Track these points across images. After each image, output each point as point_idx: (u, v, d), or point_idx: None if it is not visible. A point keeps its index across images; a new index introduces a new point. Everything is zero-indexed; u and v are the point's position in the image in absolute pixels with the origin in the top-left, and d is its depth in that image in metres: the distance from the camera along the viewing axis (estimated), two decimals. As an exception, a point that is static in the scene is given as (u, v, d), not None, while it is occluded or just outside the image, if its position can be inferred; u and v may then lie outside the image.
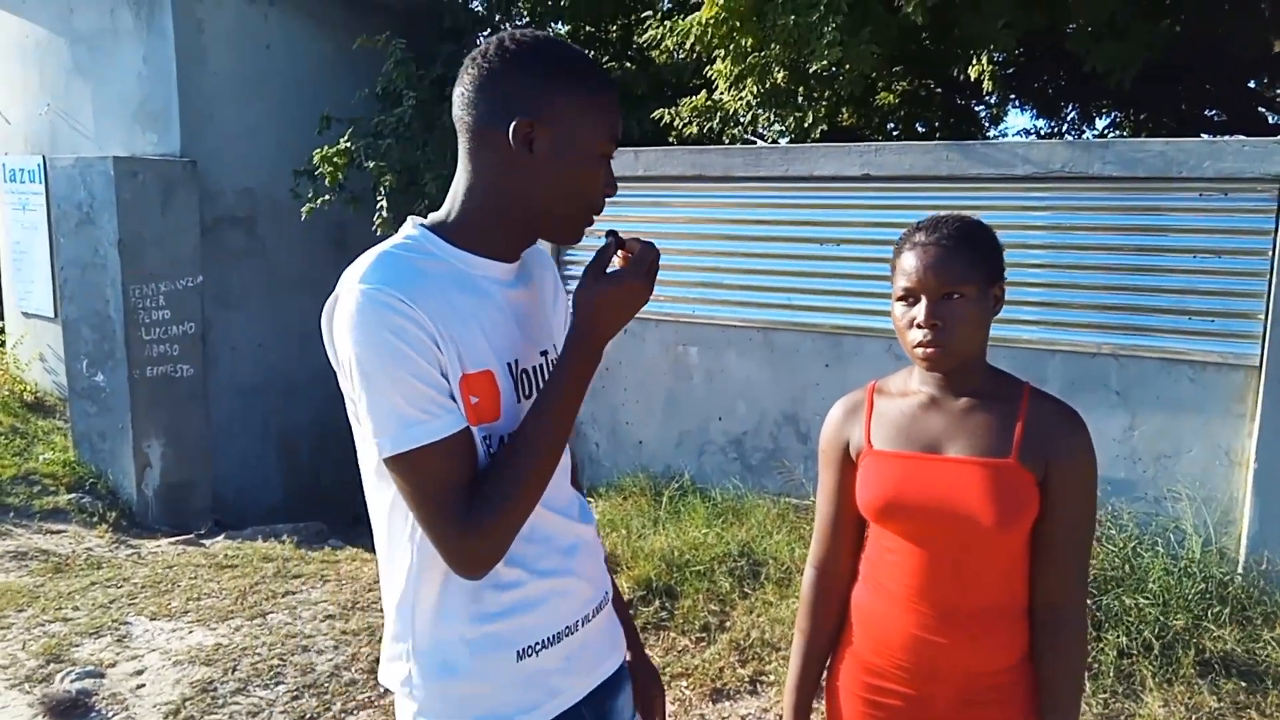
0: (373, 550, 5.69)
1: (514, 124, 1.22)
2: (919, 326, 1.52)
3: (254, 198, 7.35)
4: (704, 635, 3.83)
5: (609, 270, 1.29)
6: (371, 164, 6.77)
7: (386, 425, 1.16)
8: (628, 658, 1.54)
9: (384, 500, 1.30)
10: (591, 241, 1.37)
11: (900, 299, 1.57)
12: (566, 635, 1.34)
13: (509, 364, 1.29)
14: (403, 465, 1.17)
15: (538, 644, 1.30)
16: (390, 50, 6.91)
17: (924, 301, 1.52)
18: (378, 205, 6.91)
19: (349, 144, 6.78)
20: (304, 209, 6.97)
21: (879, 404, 1.64)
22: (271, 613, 4.22)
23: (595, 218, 1.32)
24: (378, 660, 3.69)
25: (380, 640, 4.03)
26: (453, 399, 1.20)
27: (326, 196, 6.89)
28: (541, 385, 1.33)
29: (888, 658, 1.59)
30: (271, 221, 7.47)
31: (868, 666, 1.62)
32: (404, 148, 6.77)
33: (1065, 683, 1.55)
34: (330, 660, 3.74)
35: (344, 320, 1.18)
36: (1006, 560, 1.54)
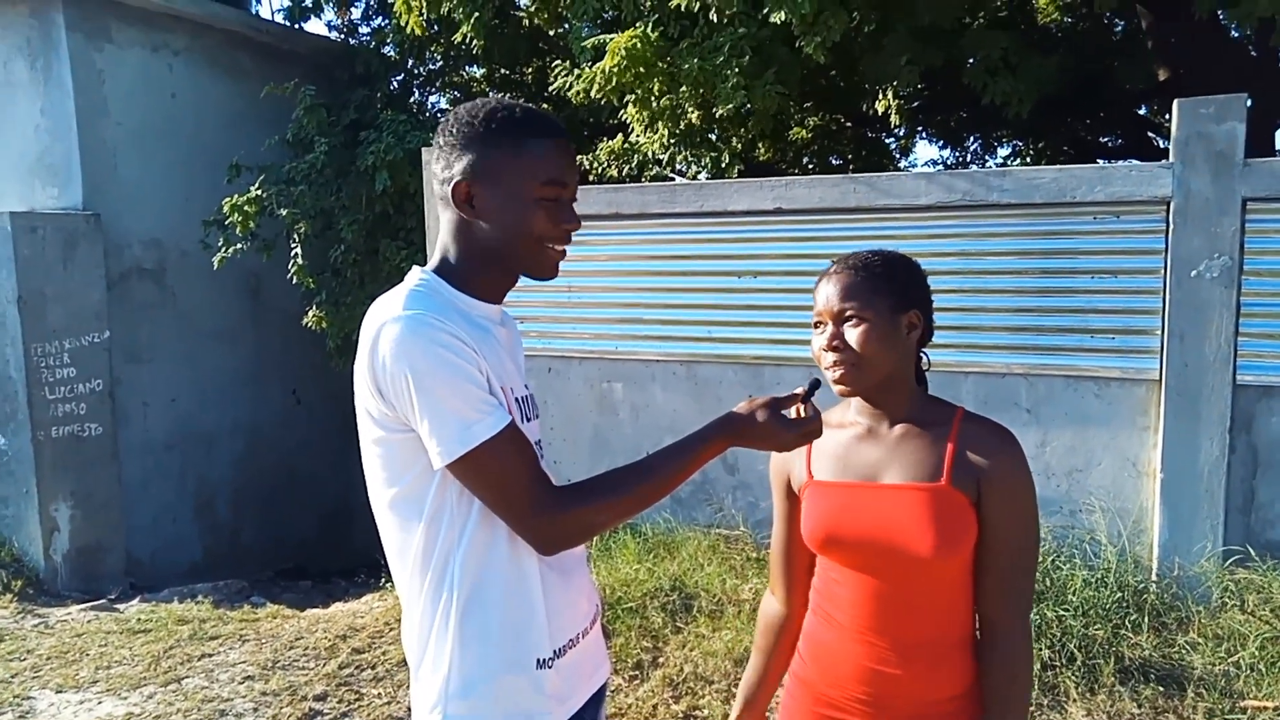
0: (296, 606, 5.48)
1: (452, 187, 1.39)
2: (825, 350, 1.56)
3: (163, 249, 7.17)
4: (637, 673, 3.79)
5: (784, 411, 1.45)
6: (284, 211, 6.67)
7: (451, 430, 1.28)
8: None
9: (410, 535, 1.38)
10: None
11: (814, 326, 1.61)
12: (570, 647, 1.46)
13: (508, 388, 1.43)
14: (473, 463, 1.29)
15: (551, 655, 1.42)
16: (300, 97, 6.84)
17: (829, 325, 1.56)
18: (292, 253, 6.80)
19: (260, 191, 6.67)
20: (215, 259, 6.82)
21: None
22: (187, 677, 4.05)
23: (566, 248, 1.45)
24: (300, 720, 3.57)
25: (302, 699, 3.88)
26: (498, 399, 1.34)
27: (238, 245, 6.75)
28: (530, 413, 1.50)
29: (841, 689, 1.59)
30: (182, 272, 7.29)
31: (820, 698, 1.62)
32: (317, 194, 6.69)
33: (1008, 702, 1.54)
34: (250, 724, 3.60)
35: (392, 347, 1.28)
36: (952, 587, 1.54)
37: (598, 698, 1.55)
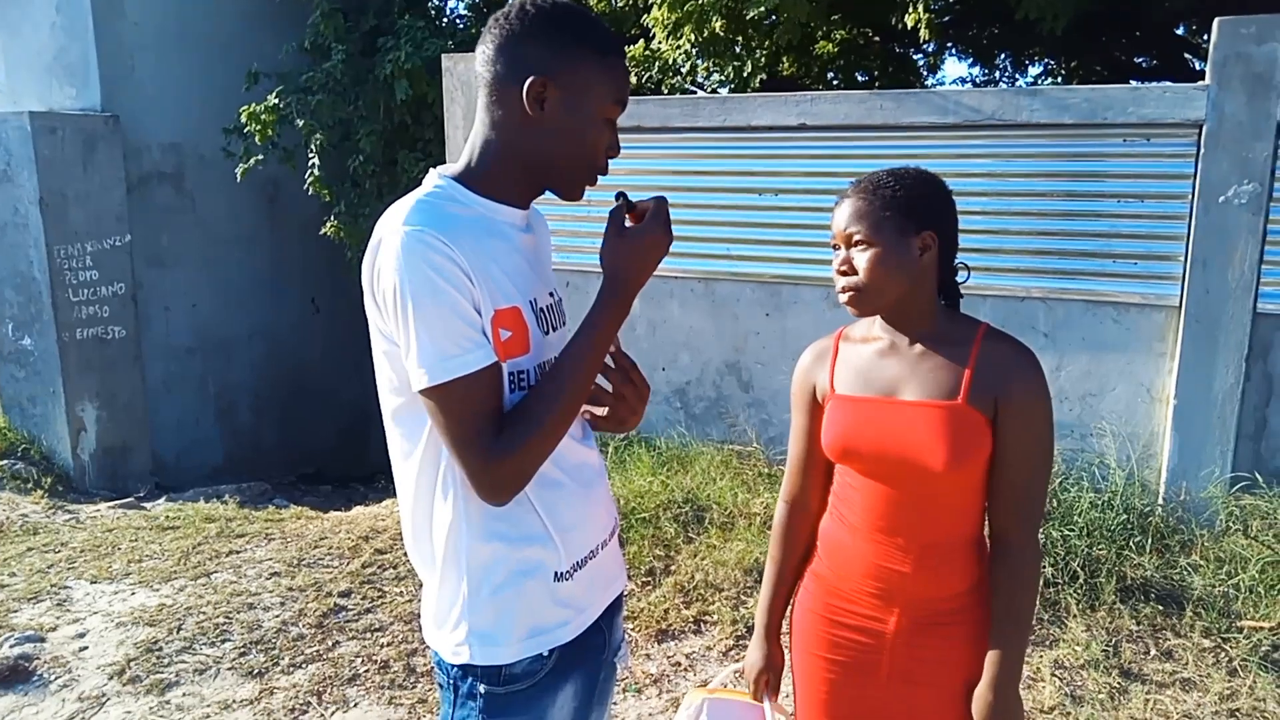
0: (318, 508, 5.60)
1: (528, 82, 1.29)
2: (836, 274, 1.61)
3: (181, 153, 7.15)
4: (649, 579, 3.91)
5: (627, 225, 1.38)
6: (302, 122, 6.62)
7: (428, 357, 1.24)
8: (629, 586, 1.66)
9: (416, 446, 1.36)
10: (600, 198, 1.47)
11: (833, 248, 1.64)
12: (590, 559, 1.46)
13: (530, 301, 1.38)
14: (439, 395, 1.25)
15: (571, 567, 1.42)
16: (317, 2, 6.72)
17: (841, 249, 1.61)
18: (310, 164, 6.76)
19: (277, 101, 6.60)
20: (238, 170, 6.79)
21: (844, 350, 1.71)
22: (216, 572, 4.20)
23: (600, 178, 1.41)
24: (325, 615, 3.71)
25: (327, 595, 4.01)
26: (484, 335, 1.28)
27: (259, 156, 6.72)
28: (557, 322, 1.45)
29: (852, 583, 1.68)
30: (200, 177, 7.28)
31: (832, 590, 1.71)
32: (334, 103, 6.62)
33: (1015, 609, 1.60)
34: (277, 616, 3.74)
35: (388, 259, 1.24)
36: (963, 496, 1.60)
37: (615, 606, 1.58)
